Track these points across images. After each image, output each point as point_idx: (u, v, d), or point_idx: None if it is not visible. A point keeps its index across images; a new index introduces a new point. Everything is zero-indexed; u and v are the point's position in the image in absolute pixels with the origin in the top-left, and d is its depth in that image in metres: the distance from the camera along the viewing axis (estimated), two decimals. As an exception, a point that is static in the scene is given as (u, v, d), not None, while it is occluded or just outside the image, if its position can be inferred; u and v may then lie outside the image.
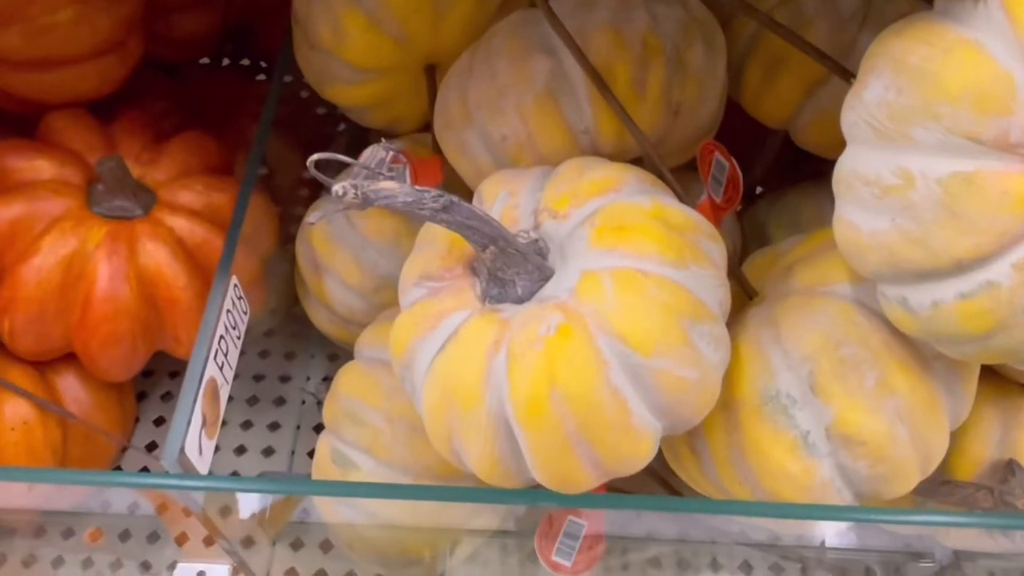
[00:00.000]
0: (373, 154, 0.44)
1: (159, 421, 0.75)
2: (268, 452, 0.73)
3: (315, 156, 0.42)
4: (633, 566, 0.67)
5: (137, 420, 0.74)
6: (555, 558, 0.57)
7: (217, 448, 0.64)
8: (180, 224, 0.58)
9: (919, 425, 0.44)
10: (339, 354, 0.78)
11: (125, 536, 0.69)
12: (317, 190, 0.84)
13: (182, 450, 0.49)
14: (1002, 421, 0.53)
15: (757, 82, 0.60)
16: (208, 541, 0.64)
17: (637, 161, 0.51)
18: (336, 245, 0.63)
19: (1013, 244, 0.35)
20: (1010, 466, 0.51)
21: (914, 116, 0.36)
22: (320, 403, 0.77)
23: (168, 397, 0.77)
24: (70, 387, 0.61)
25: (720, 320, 0.44)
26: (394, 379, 0.56)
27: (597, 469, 0.43)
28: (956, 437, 0.49)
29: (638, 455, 0.43)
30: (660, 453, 0.45)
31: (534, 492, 0.47)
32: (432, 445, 0.47)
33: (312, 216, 0.42)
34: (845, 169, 0.41)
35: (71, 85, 0.60)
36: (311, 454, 0.75)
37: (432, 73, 0.63)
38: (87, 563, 0.68)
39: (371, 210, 0.64)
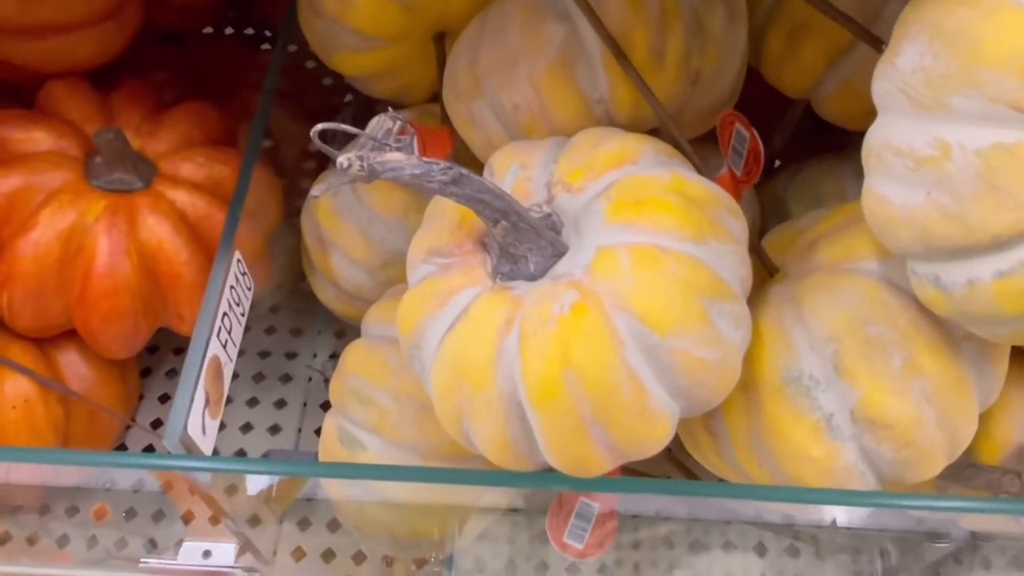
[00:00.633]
0: (380, 124, 0.42)
1: (164, 398, 0.74)
2: (274, 430, 0.72)
3: (319, 126, 0.40)
4: (644, 544, 0.66)
5: (141, 397, 0.73)
6: (567, 540, 0.56)
7: (223, 426, 0.63)
8: (181, 197, 0.57)
9: (947, 408, 0.42)
10: (346, 331, 0.77)
11: (131, 514, 0.68)
12: (323, 163, 0.82)
13: (184, 429, 0.48)
14: (1030, 403, 0.51)
15: (779, 50, 0.57)
16: (214, 520, 0.63)
17: (654, 132, 0.49)
18: (342, 219, 0.61)
19: (1057, 220, 0.33)
20: (1038, 449, 0.50)
21: (952, 83, 0.34)
22: (327, 380, 0.76)
23: (173, 374, 0.75)
24: (72, 364, 0.60)
25: (741, 298, 0.42)
26: (402, 357, 0.54)
27: (612, 452, 0.41)
28: (982, 420, 0.47)
29: (655, 438, 0.41)
30: (675, 434, 0.43)
31: (546, 475, 0.46)
32: (441, 425, 0.45)
33: (317, 189, 0.40)
34: (876, 140, 0.39)
35: (68, 53, 0.58)
36: (318, 432, 0.73)
37: (441, 41, 0.61)
38: (92, 541, 0.67)
39: (378, 183, 0.62)
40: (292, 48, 0.76)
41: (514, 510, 0.66)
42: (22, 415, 0.56)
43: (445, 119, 0.58)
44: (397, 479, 0.49)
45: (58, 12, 0.55)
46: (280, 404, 0.73)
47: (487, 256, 0.44)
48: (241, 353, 0.55)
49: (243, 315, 0.56)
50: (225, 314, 0.52)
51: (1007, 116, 0.32)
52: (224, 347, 0.52)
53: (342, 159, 0.39)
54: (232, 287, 0.53)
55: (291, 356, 0.76)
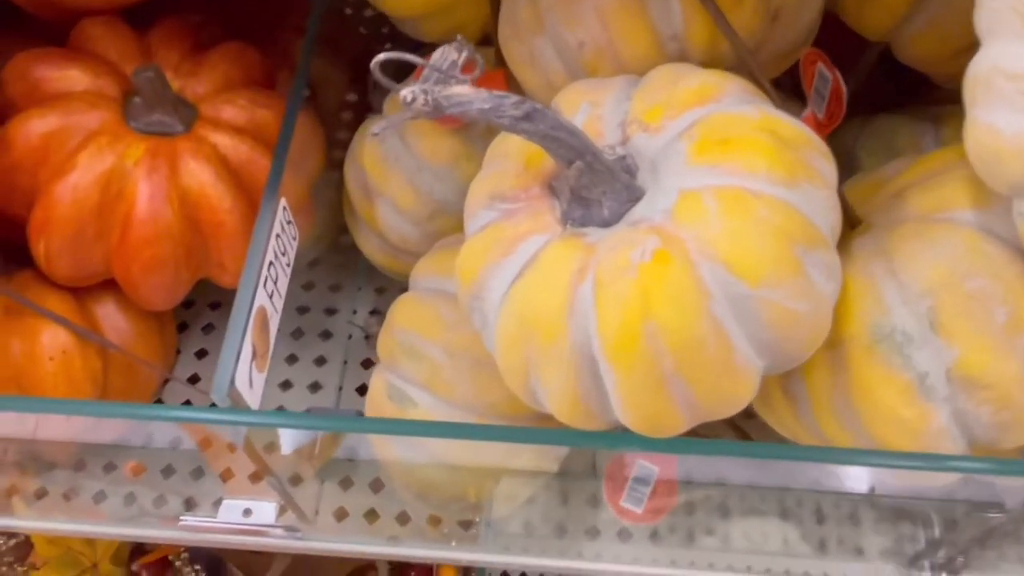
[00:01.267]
0: (444, 55, 0.39)
1: (201, 353, 0.72)
2: (315, 387, 0.70)
3: (381, 56, 0.37)
4: (699, 509, 0.64)
5: (178, 352, 0.71)
6: (624, 504, 0.54)
7: (262, 382, 0.61)
8: (224, 141, 0.54)
9: (1052, 368, 0.39)
10: (387, 286, 0.75)
11: (168, 472, 0.66)
12: (361, 113, 0.79)
13: (232, 383, 0.45)
14: None
15: (860, -13, 0.54)
16: (255, 477, 0.62)
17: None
18: (389, 168, 0.58)
19: None
20: None
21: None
22: (368, 337, 0.73)
23: (209, 329, 0.73)
24: (109, 315, 0.58)
25: (833, 247, 0.39)
26: (455, 311, 0.52)
27: (691, 411, 0.39)
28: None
29: (738, 397, 0.39)
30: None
31: (613, 435, 0.44)
32: (503, 381, 0.43)
33: (376, 127, 0.37)
34: (982, 67, 0.35)
35: (103, -13, 0.55)
36: (359, 390, 0.71)
37: (496, -25, 0.57)
38: (129, 498, 0.66)
39: (427, 129, 0.60)
40: (332, -8, 0.72)
41: (564, 473, 0.64)
42: (60, 367, 0.54)
43: (499, 62, 0.55)
44: (454, 436, 0.47)
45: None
46: (320, 361, 0.71)
47: (555, 201, 0.41)
48: (282, 307, 0.53)
49: (288, 266, 0.53)
50: (271, 263, 0.50)
51: None
52: (270, 298, 0.50)
53: (405, 92, 0.36)
54: (278, 235, 0.51)
55: (330, 312, 0.74)
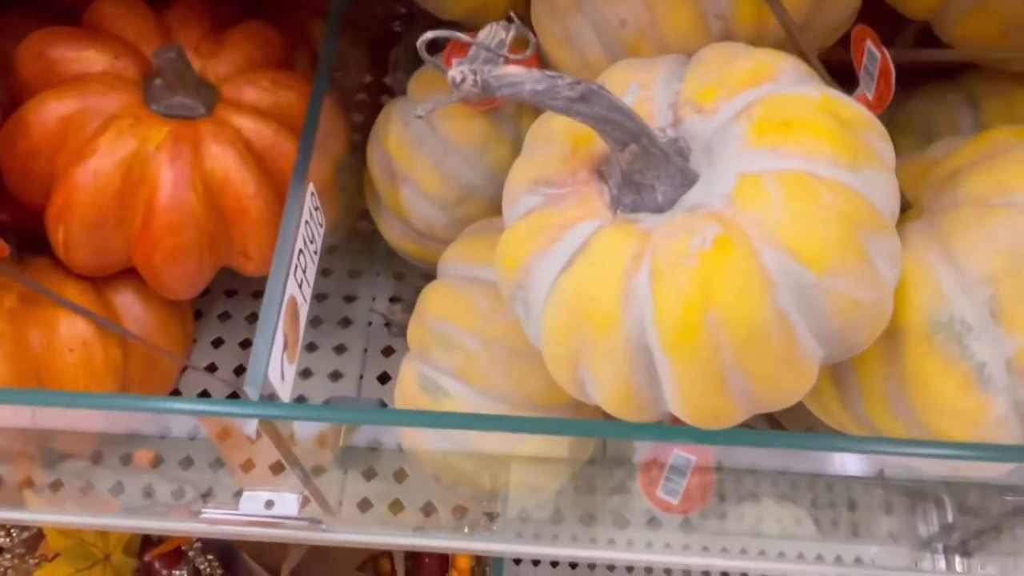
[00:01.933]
0: (492, 34, 0.37)
1: (217, 342, 0.70)
2: (335, 376, 0.69)
3: (429, 34, 0.36)
4: (730, 497, 0.63)
5: (194, 341, 0.70)
6: (660, 494, 0.53)
7: (284, 372, 0.60)
8: (247, 124, 0.52)
9: (1116, 359, 0.38)
10: (406, 272, 0.73)
11: (187, 463, 0.65)
12: (376, 95, 0.77)
13: (266, 375, 0.44)
14: None
15: (906, -37, 0.52)
16: (276, 468, 0.60)
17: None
18: (415, 151, 0.57)
19: None
20: None
21: None
22: (388, 324, 0.72)
23: (225, 317, 0.72)
24: (129, 305, 0.56)
25: (895, 232, 0.38)
26: (489, 299, 0.50)
27: (748, 403, 0.37)
28: None
29: (797, 388, 0.37)
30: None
31: (661, 427, 0.42)
32: (539, 371, 0.42)
33: (422, 108, 0.35)
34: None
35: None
36: (380, 378, 0.70)
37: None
38: (148, 490, 0.64)
39: (455, 111, 0.58)
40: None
41: (590, 462, 0.63)
42: (80, 358, 0.53)
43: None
44: (492, 429, 0.46)
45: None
46: (340, 349, 0.70)
47: (604, 186, 0.40)
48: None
49: (316, 253, 0.52)
50: (300, 251, 0.48)
51: None
52: (300, 287, 0.49)
53: (453, 72, 0.35)
54: (307, 222, 0.49)
55: (350, 299, 0.72)
